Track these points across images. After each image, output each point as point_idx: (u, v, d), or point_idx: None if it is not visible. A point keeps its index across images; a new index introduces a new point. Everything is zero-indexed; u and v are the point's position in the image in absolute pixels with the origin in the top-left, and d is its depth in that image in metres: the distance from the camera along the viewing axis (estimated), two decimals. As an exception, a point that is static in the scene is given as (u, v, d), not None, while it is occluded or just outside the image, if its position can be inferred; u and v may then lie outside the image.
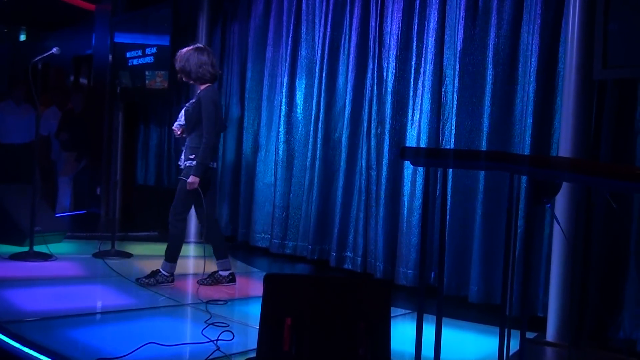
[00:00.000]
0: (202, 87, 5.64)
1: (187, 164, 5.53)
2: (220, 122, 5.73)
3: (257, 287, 5.46)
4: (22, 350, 3.86)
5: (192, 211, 5.89)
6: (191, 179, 5.43)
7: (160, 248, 6.57)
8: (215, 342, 4.17)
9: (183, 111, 5.74)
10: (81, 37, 11.01)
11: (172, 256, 5.62)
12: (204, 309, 4.96)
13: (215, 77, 5.70)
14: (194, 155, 5.48)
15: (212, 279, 5.75)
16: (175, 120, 5.87)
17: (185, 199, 5.58)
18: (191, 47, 5.70)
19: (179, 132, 5.80)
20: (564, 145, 4.62)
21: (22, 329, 4.19)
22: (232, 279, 5.79)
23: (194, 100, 5.63)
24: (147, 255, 6.81)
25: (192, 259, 6.96)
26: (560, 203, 4.50)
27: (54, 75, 11.91)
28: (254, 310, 4.53)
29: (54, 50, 6.33)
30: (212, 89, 5.65)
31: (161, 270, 5.61)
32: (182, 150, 5.71)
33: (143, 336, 4.13)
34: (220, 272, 5.76)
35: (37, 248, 6.41)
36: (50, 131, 9.70)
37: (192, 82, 5.70)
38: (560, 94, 4.96)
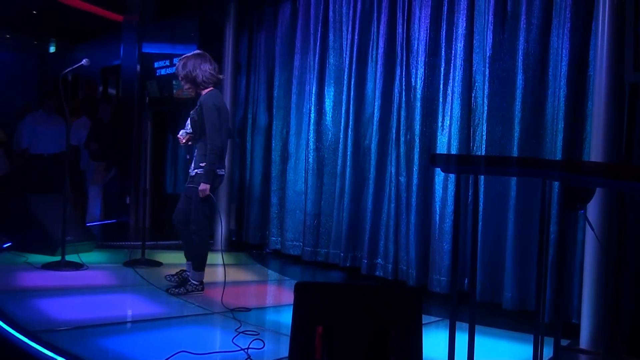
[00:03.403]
0: (204, 92, 5.61)
1: (198, 172, 5.51)
2: (226, 125, 5.65)
3: (288, 295, 5.45)
4: (56, 359, 3.89)
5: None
6: (201, 186, 5.42)
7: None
8: (246, 350, 4.17)
9: (189, 119, 5.68)
10: (109, 47, 11.11)
11: (199, 265, 5.63)
12: (234, 317, 4.95)
13: (218, 82, 5.69)
14: (205, 164, 5.46)
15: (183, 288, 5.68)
16: (182, 128, 5.80)
17: (203, 207, 5.55)
18: (191, 54, 5.67)
19: (183, 140, 5.71)
20: (595, 149, 4.55)
21: (55, 338, 4.22)
22: (202, 288, 5.71)
23: (197, 107, 5.57)
24: (177, 264, 6.82)
25: (221, 267, 6.97)
26: (593, 208, 4.44)
27: (84, 86, 12.03)
28: (285, 319, 4.53)
29: (84, 61, 6.38)
30: (214, 93, 5.61)
31: (190, 279, 5.62)
32: (193, 159, 5.68)
33: (174, 345, 4.15)
34: (193, 281, 5.68)
35: (68, 257, 6.46)
36: (79, 141, 9.78)
37: (196, 89, 5.64)
38: (592, 97, 4.90)
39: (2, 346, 4.22)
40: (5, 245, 7.27)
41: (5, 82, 12.98)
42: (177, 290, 5.59)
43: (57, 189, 7.68)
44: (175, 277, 5.89)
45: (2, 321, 4.51)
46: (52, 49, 14.20)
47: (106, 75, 11.74)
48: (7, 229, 7.53)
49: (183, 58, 5.67)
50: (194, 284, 5.60)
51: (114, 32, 10.62)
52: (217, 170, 5.52)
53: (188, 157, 5.65)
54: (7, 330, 4.35)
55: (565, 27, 5.13)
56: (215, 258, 7.33)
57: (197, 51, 5.80)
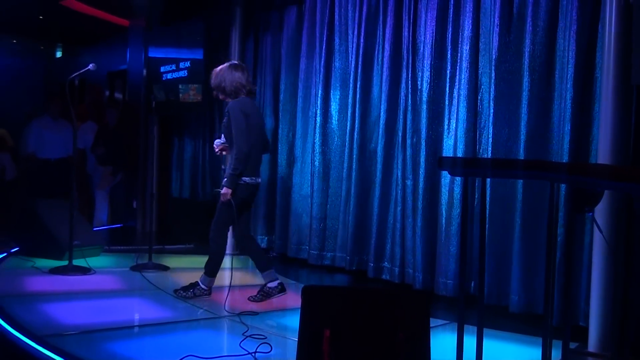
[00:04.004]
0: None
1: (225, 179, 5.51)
2: (257, 132, 5.61)
3: (294, 299, 5.45)
4: (63, 364, 3.90)
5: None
6: (223, 190, 5.41)
7: (197, 260, 6.60)
8: (253, 354, 4.17)
9: (222, 127, 5.67)
10: (115, 52, 11.14)
11: (211, 271, 5.62)
12: (241, 321, 4.95)
13: (251, 92, 5.65)
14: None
15: (262, 294, 5.65)
16: (217, 138, 5.79)
17: (224, 214, 5.53)
18: (225, 65, 5.67)
19: (217, 150, 5.72)
20: (603, 152, 4.54)
21: (62, 343, 4.23)
22: (281, 288, 5.67)
23: (225, 114, 5.56)
24: (184, 268, 6.84)
25: (229, 271, 6.97)
26: (601, 210, 4.42)
27: (90, 90, 12.05)
28: (292, 322, 4.53)
29: (90, 66, 6.39)
30: (242, 100, 5.55)
31: (200, 283, 5.63)
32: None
33: (182, 349, 4.15)
34: (269, 285, 5.67)
35: (75, 262, 6.47)
36: (86, 144, 9.80)
37: (228, 99, 5.62)
38: (598, 99, 4.89)
39: (10, 350, 4.23)
40: (12, 250, 7.29)
41: (12, 87, 13.02)
42: (184, 294, 5.59)
43: (64, 193, 7.70)
44: (259, 295, 5.72)
45: (10, 325, 4.52)
46: (58, 54, 14.25)
47: (112, 80, 11.77)
48: (14, 233, 7.55)
49: (217, 69, 5.68)
50: (202, 289, 5.60)
51: (120, 37, 10.65)
52: (248, 179, 5.48)
53: (223, 167, 5.64)
54: (14, 335, 4.36)
55: (572, 29, 5.12)
56: (224, 262, 7.34)
57: (232, 62, 5.80)
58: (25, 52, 13.79)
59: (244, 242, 5.78)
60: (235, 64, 5.73)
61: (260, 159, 5.75)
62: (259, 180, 5.71)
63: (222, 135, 5.68)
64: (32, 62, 14.05)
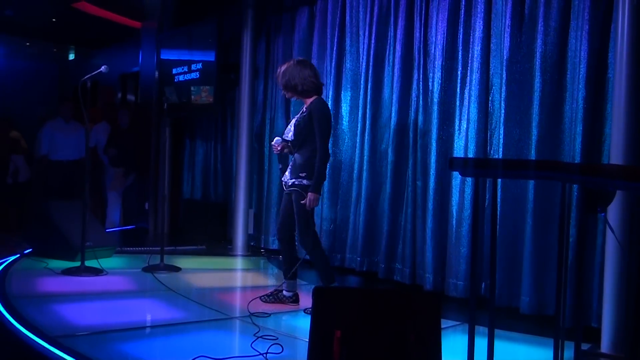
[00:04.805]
0: (309, 100, 5.47)
1: (297, 182, 5.36)
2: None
3: (305, 300, 5.45)
4: (75, 364, 3.92)
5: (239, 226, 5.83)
6: (312, 196, 5.26)
7: (208, 262, 6.60)
8: (264, 355, 4.17)
9: (292, 126, 5.52)
10: (128, 54, 11.19)
11: (329, 278, 5.46)
12: (252, 322, 4.96)
13: (319, 89, 5.54)
14: (305, 174, 5.31)
15: (274, 297, 5.58)
16: (279, 135, 5.66)
17: (304, 216, 5.37)
18: (291, 62, 5.55)
19: (279, 148, 5.55)
20: (615, 152, 4.52)
21: (75, 343, 4.24)
22: (295, 300, 5.57)
23: (304, 114, 5.44)
24: (196, 269, 6.86)
25: (240, 272, 6.99)
26: (613, 211, 4.40)
27: (102, 92, 12.11)
28: (303, 323, 4.54)
29: (103, 68, 6.42)
30: (322, 101, 5.48)
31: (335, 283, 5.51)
32: (289, 166, 5.53)
33: (193, 349, 4.15)
34: (285, 292, 5.57)
35: (88, 263, 6.50)
36: (97, 144, 9.84)
37: (297, 96, 5.54)
38: (611, 100, 4.87)
39: (23, 351, 4.25)
40: (26, 251, 7.33)
41: (25, 89, 13.11)
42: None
43: (77, 195, 7.73)
44: (271, 297, 5.62)
45: (23, 326, 4.54)
46: (71, 56, 14.32)
47: (125, 82, 11.82)
48: (27, 234, 7.60)
49: (283, 66, 5.58)
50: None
51: (132, 39, 10.70)
52: (306, 182, 5.36)
53: (281, 166, 5.53)
54: (27, 335, 4.38)
55: (584, 29, 5.10)
56: (235, 263, 7.36)
57: (298, 58, 5.73)
58: (38, 54, 13.88)
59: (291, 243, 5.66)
60: (303, 60, 5.62)
61: None
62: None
63: (287, 132, 5.55)
64: (45, 64, 14.14)
